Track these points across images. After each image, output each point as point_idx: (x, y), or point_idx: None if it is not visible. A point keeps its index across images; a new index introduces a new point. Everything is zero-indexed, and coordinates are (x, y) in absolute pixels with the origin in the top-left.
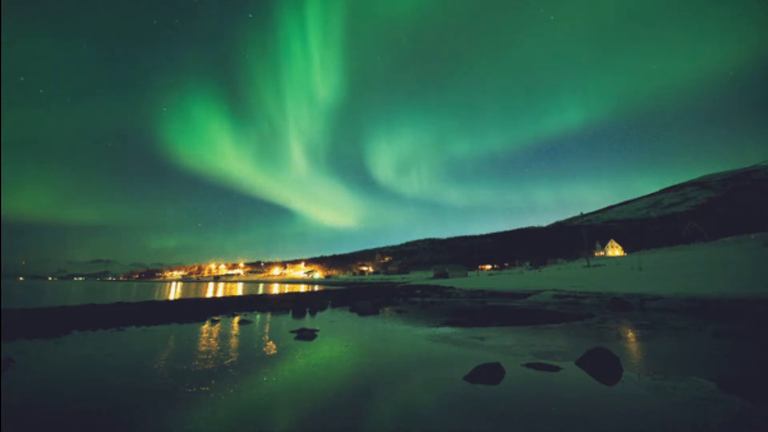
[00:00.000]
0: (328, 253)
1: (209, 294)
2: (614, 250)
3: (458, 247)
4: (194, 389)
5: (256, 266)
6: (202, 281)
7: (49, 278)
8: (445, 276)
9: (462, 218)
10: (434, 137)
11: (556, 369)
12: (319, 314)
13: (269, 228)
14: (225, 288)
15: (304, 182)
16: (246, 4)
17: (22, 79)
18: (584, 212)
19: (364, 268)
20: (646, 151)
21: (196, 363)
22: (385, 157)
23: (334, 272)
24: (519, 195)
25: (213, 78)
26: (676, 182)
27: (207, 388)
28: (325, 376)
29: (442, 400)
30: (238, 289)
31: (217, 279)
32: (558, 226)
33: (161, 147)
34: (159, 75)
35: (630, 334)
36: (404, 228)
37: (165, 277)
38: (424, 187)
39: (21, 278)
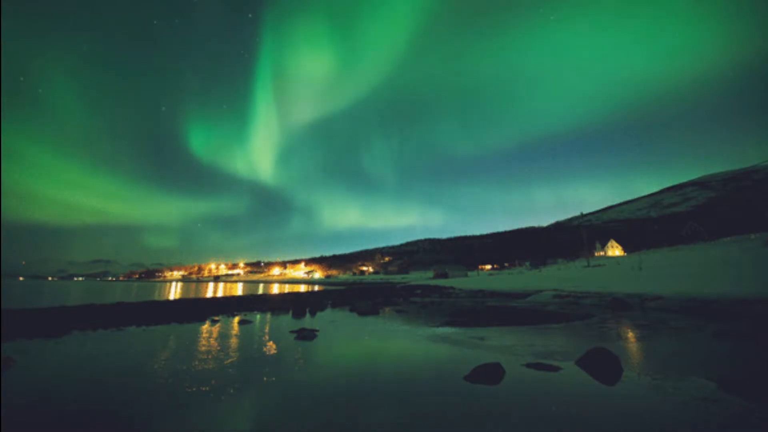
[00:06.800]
0: (328, 253)
1: (209, 294)
2: (614, 250)
3: (458, 247)
4: (194, 389)
5: (256, 266)
6: (202, 281)
7: (49, 278)
8: (445, 276)
9: (462, 218)
10: (434, 137)
11: (556, 369)
12: (319, 314)
13: (269, 228)
14: (225, 288)
15: (305, 183)
16: (246, 3)
17: (22, 79)
18: (584, 212)
19: (364, 268)
20: (646, 151)
21: (196, 363)
22: (385, 158)
23: (334, 272)
24: (519, 195)
25: (213, 77)
26: (676, 182)
27: (207, 388)
28: (326, 376)
29: (443, 400)
30: (238, 289)
31: (217, 279)
32: (558, 226)
33: (162, 146)
34: (159, 75)
35: (630, 334)
36: (404, 228)
37: (165, 277)
38: (424, 187)
39: (21, 278)
